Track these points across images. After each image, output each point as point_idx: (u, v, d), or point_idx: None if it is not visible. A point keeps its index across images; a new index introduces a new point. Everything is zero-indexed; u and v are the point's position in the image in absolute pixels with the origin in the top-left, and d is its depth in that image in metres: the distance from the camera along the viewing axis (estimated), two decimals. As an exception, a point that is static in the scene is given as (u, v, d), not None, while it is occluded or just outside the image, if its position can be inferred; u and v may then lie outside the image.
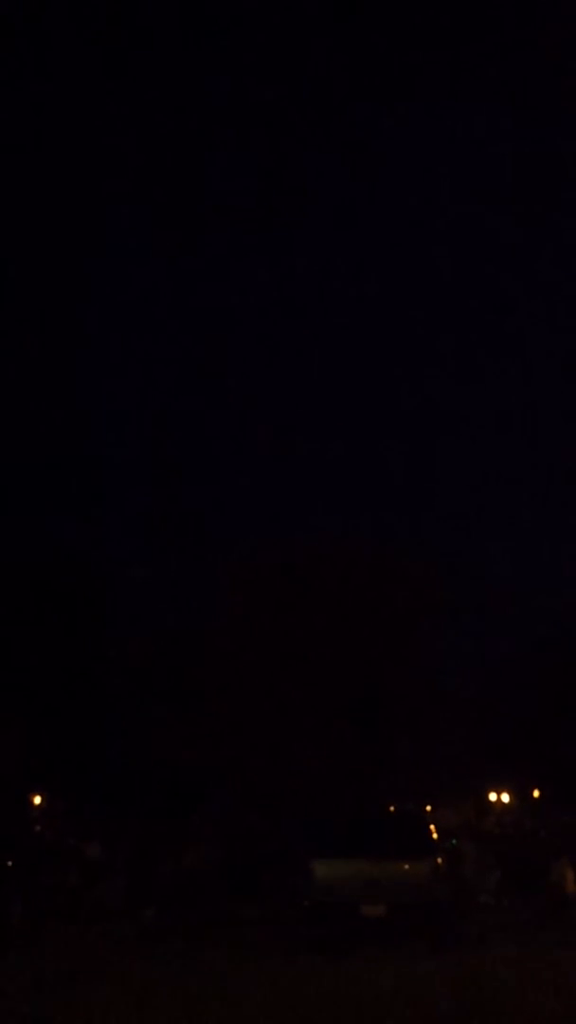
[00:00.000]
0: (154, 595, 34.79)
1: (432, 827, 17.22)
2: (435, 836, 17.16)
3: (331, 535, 32.82)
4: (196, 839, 22.49)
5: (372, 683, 28.21)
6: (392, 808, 19.35)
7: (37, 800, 29.42)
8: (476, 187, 68.88)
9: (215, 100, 71.49)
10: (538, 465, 72.38)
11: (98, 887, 21.47)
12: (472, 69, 63.01)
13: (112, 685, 27.81)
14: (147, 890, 20.23)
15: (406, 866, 15.65)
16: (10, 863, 21.09)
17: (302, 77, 70.72)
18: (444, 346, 74.60)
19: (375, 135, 79.08)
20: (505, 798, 40.84)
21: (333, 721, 27.18)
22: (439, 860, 16.40)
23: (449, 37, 65.58)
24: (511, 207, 66.05)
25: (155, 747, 26.49)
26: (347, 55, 65.81)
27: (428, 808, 19.51)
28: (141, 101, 76.39)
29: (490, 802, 40.40)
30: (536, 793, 38.16)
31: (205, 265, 79.00)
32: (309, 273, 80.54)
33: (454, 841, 23.17)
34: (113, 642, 29.91)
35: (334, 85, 63.35)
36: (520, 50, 67.18)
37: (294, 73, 67.91)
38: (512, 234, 77.35)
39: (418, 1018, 9.70)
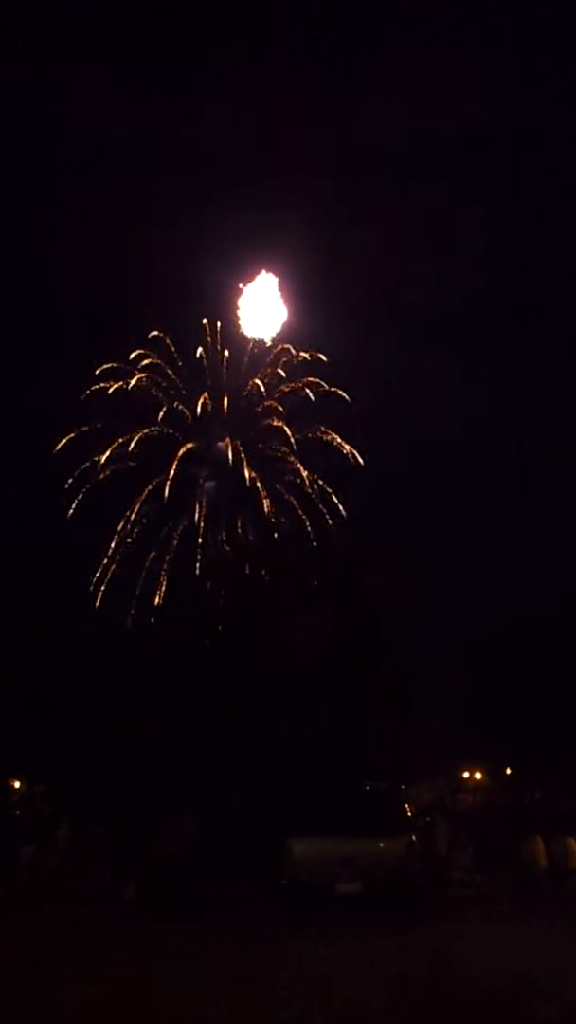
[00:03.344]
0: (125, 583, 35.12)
1: (406, 805, 17.52)
2: (409, 814, 17.47)
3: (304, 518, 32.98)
4: (175, 820, 22.70)
5: (347, 663, 28.43)
6: (367, 787, 19.63)
7: (17, 784, 29.59)
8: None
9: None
10: (511, 448, 72.54)
11: (78, 869, 21.68)
12: None
13: (90, 670, 27.87)
14: (128, 871, 20.47)
15: (381, 844, 15.95)
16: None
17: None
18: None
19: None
20: (478, 776, 41.35)
21: (309, 701, 27.42)
22: (413, 838, 16.71)
23: None
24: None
25: (134, 729, 26.63)
26: None
27: (402, 786, 19.79)
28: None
29: (463, 780, 40.87)
30: (508, 771, 38.65)
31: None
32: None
33: (428, 819, 23.55)
34: (91, 628, 29.96)
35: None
36: None
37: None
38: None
39: (391, 990, 10.01)
